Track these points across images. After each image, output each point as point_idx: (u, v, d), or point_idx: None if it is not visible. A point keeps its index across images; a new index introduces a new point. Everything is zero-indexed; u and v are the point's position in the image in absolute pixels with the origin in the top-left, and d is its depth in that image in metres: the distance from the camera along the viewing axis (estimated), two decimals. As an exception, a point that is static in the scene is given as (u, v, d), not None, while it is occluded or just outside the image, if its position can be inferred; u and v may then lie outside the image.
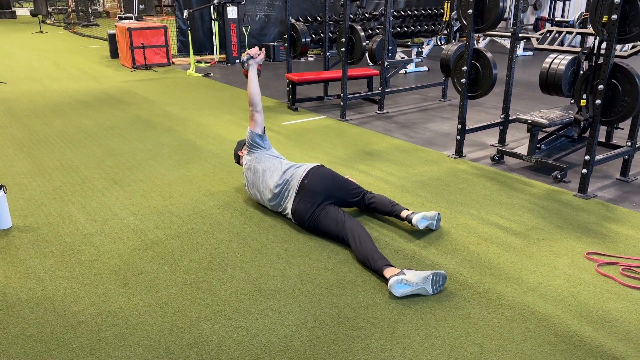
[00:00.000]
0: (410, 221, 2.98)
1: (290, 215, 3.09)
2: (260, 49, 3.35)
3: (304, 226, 3.02)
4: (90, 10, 17.96)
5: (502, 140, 4.77)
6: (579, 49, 4.28)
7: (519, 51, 10.80)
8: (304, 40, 6.31)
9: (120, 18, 10.85)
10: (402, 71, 8.71)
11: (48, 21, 19.10)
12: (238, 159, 3.51)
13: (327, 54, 6.70)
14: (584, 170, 3.56)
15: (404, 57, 9.10)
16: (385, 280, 2.47)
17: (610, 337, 2.14)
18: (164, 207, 3.39)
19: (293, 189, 3.05)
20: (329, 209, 2.94)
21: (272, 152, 3.35)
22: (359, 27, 5.73)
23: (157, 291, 2.45)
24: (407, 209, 3.08)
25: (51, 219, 3.21)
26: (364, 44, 5.90)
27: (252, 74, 3.28)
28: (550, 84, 4.17)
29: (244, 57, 3.26)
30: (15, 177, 3.91)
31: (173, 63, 9.62)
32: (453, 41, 6.47)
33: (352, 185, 3.20)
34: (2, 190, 3.06)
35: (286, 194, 3.09)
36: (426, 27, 9.84)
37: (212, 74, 8.57)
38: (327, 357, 2.02)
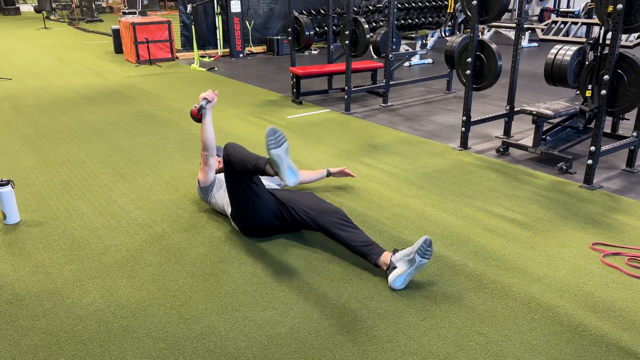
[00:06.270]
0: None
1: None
2: (214, 92, 3.22)
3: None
4: (94, 5, 17.97)
5: (507, 132, 4.75)
6: (584, 40, 4.25)
7: (525, 42, 10.72)
8: (307, 33, 6.30)
9: (124, 13, 10.88)
10: (407, 64, 8.68)
11: (52, 17, 19.14)
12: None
13: (331, 47, 6.69)
14: (590, 161, 3.55)
15: (408, 50, 9.07)
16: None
17: (616, 327, 2.14)
18: (170, 200, 3.41)
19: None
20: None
21: (221, 192, 3.09)
22: (363, 20, 5.73)
23: (165, 284, 2.47)
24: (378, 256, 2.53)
25: (58, 213, 3.24)
26: (367, 36, 5.89)
27: (208, 119, 3.18)
28: (555, 75, 4.15)
29: (202, 102, 3.16)
30: (22, 172, 3.94)
31: (177, 58, 9.62)
32: (458, 33, 6.44)
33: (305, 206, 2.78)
34: (9, 185, 3.09)
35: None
36: (430, 19, 9.78)
37: (216, 69, 8.57)
38: (333, 348, 2.04)
